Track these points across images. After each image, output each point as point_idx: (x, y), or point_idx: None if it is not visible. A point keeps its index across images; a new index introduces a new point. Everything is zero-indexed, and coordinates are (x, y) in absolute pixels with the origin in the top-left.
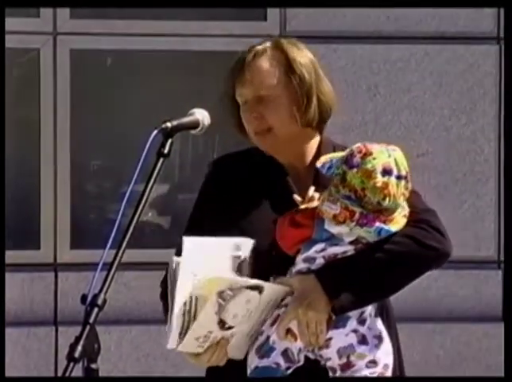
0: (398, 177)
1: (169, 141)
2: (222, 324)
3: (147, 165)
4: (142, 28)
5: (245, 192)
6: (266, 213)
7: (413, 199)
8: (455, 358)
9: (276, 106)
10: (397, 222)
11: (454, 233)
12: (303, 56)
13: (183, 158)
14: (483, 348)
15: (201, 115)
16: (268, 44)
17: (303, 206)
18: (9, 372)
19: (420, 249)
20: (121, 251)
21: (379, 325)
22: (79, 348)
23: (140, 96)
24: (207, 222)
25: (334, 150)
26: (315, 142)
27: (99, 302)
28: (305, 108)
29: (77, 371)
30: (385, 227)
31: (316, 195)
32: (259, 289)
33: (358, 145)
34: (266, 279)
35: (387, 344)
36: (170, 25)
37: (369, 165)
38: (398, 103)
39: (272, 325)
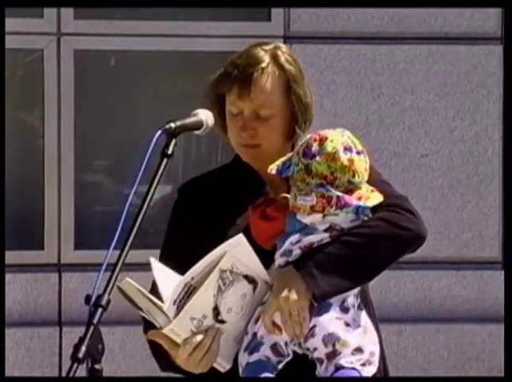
0: (358, 153)
1: (173, 141)
2: (216, 312)
3: (151, 166)
4: (146, 28)
5: (222, 206)
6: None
7: (385, 188)
8: (459, 358)
9: (271, 125)
10: (369, 197)
11: (458, 233)
12: (298, 72)
13: (186, 159)
14: (487, 349)
15: (205, 116)
16: (267, 58)
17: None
18: (13, 373)
19: (394, 230)
20: (125, 252)
21: (364, 317)
22: (83, 348)
23: (144, 97)
24: (189, 248)
25: None
26: (290, 148)
27: (103, 302)
28: (303, 128)
29: (81, 371)
30: (362, 203)
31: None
32: (254, 283)
33: (309, 135)
34: None
35: (373, 334)
36: (174, 26)
37: (329, 149)
38: (402, 103)
39: (256, 322)
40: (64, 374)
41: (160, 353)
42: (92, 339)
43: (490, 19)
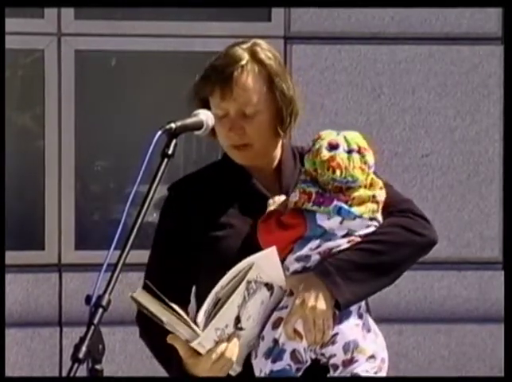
0: (349, 151)
1: (173, 141)
2: (237, 321)
3: (151, 166)
4: (147, 28)
5: (212, 204)
6: (240, 218)
7: (389, 191)
8: (459, 359)
9: (258, 122)
10: (363, 204)
11: (458, 234)
12: (279, 67)
13: (187, 159)
14: (488, 349)
15: (205, 116)
16: (246, 56)
17: (272, 208)
18: (14, 373)
19: (411, 236)
20: (125, 252)
21: (371, 320)
22: (84, 348)
23: (144, 97)
24: (183, 248)
25: (292, 151)
26: (279, 145)
27: (104, 302)
28: (288, 122)
29: (82, 371)
30: (345, 206)
31: (283, 197)
32: (272, 290)
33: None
34: None
35: (382, 339)
36: (174, 26)
37: (317, 146)
38: (403, 103)
39: (274, 328)
40: (64, 374)
41: (170, 358)
42: (93, 339)
43: (490, 19)
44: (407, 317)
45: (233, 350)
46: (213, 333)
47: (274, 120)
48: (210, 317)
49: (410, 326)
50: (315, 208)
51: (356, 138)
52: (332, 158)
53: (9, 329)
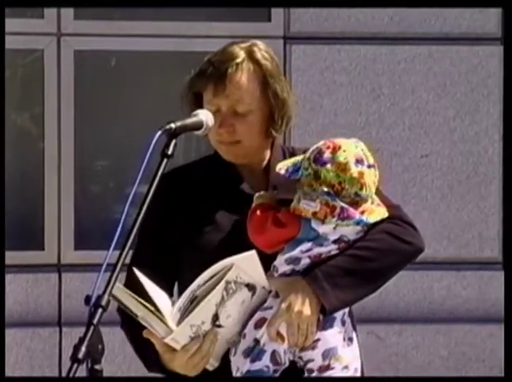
0: (369, 166)
1: (173, 142)
2: (215, 319)
3: (151, 166)
4: (146, 29)
5: (199, 198)
6: (225, 215)
7: (379, 195)
8: (459, 359)
9: (249, 122)
10: (374, 211)
11: (458, 234)
12: (275, 68)
13: (186, 159)
14: (488, 349)
15: (205, 116)
16: (243, 54)
17: (259, 201)
18: (14, 373)
19: (398, 244)
20: (125, 252)
21: (350, 326)
22: (83, 349)
23: (144, 97)
24: (166, 235)
25: (283, 151)
26: (269, 145)
27: (103, 302)
28: (279, 124)
29: (81, 372)
30: (364, 218)
31: (271, 192)
32: (253, 290)
33: (323, 142)
34: None
35: (356, 348)
36: (174, 26)
37: (341, 158)
38: (402, 104)
39: (257, 327)
40: (64, 374)
41: (148, 352)
42: (92, 339)
43: (490, 19)
44: (406, 317)
45: (208, 347)
46: (188, 329)
47: (266, 121)
48: (185, 313)
49: (410, 326)
50: (338, 222)
51: (366, 149)
52: (361, 175)
53: (9, 329)
